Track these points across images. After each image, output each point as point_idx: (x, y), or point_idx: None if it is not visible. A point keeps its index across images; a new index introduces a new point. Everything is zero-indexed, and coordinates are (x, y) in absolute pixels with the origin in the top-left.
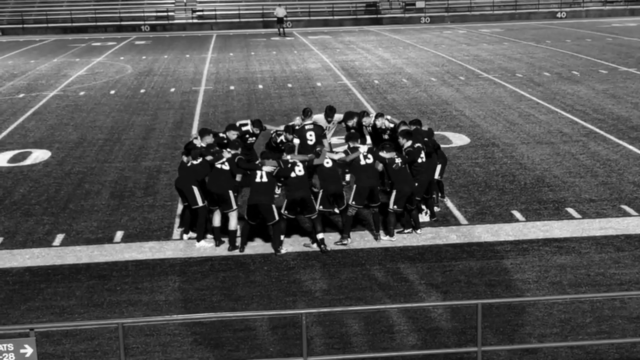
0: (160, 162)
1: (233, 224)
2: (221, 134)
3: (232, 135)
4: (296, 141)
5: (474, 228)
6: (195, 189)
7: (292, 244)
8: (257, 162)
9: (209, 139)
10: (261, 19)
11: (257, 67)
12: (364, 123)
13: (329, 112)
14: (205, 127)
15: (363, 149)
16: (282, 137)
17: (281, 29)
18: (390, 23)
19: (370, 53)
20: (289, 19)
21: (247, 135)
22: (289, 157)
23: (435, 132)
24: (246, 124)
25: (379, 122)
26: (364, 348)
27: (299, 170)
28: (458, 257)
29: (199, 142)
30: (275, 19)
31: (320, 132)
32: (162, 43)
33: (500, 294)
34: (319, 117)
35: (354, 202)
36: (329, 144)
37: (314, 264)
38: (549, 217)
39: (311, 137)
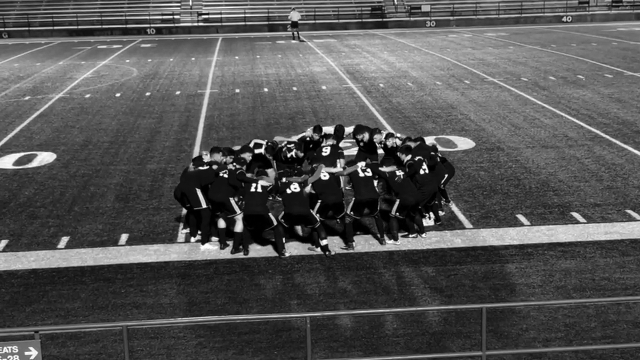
0: (165, 164)
1: (239, 226)
2: (237, 152)
3: (247, 157)
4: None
5: (479, 232)
6: (199, 191)
7: (297, 248)
8: (252, 176)
9: (217, 157)
10: (266, 22)
11: (262, 70)
12: (374, 140)
13: (338, 132)
14: (217, 145)
15: (361, 164)
16: (293, 153)
17: (295, 33)
18: (396, 26)
19: (376, 56)
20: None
21: (260, 156)
22: (284, 179)
23: (440, 136)
24: (260, 145)
25: (389, 143)
26: (367, 352)
27: (294, 188)
28: (462, 261)
29: (207, 158)
30: (290, 22)
31: (335, 151)
32: (167, 46)
33: (505, 298)
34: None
35: (352, 213)
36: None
37: (318, 267)
38: (553, 222)
39: (326, 150)
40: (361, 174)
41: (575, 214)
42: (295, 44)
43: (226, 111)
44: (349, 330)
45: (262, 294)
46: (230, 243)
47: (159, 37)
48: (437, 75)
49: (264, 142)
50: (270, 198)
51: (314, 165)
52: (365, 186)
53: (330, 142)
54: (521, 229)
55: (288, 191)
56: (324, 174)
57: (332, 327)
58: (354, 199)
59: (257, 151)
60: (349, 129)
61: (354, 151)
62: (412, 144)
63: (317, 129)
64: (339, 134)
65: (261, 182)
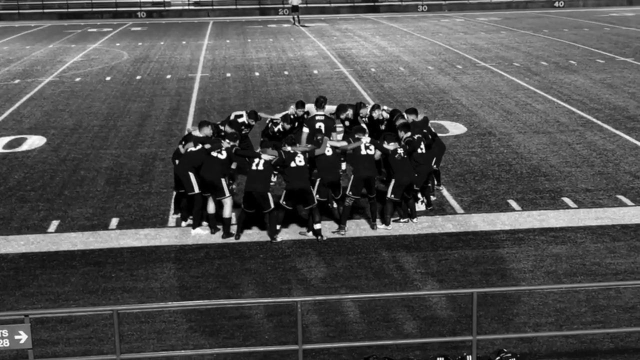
0: (155, 149)
1: (227, 211)
2: (220, 126)
3: (230, 130)
4: (305, 130)
5: (470, 217)
6: (192, 175)
7: (288, 232)
8: (257, 150)
9: (207, 130)
10: (258, 6)
11: (253, 54)
12: (360, 114)
13: (320, 103)
14: (204, 119)
15: (365, 139)
16: (280, 127)
17: (296, 17)
18: (388, 11)
19: (367, 41)
20: (285, 6)
21: (243, 127)
22: (289, 148)
23: (432, 121)
24: (241, 115)
25: (375, 114)
26: (359, 336)
27: (299, 161)
28: (454, 246)
29: (197, 134)
30: (290, 6)
31: (330, 124)
32: (158, 29)
33: (496, 283)
34: (309, 107)
35: (350, 193)
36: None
37: (309, 252)
38: (544, 207)
39: (320, 128)
40: (363, 151)
41: (566, 199)
42: (287, 28)
43: (217, 95)
44: (339, 315)
45: (253, 278)
46: (221, 227)
47: (150, 21)
48: (429, 60)
49: (243, 112)
50: (274, 180)
51: (318, 137)
52: (363, 164)
53: (322, 111)
54: (512, 214)
55: (292, 164)
56: (328, 148)
57: (323, 312)
58: (352, 176)
59: (239, 120)
60: (330, 107)
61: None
62: (411, 117)
63: (300, 104)
64: (320, 104)
65: (264, 156)
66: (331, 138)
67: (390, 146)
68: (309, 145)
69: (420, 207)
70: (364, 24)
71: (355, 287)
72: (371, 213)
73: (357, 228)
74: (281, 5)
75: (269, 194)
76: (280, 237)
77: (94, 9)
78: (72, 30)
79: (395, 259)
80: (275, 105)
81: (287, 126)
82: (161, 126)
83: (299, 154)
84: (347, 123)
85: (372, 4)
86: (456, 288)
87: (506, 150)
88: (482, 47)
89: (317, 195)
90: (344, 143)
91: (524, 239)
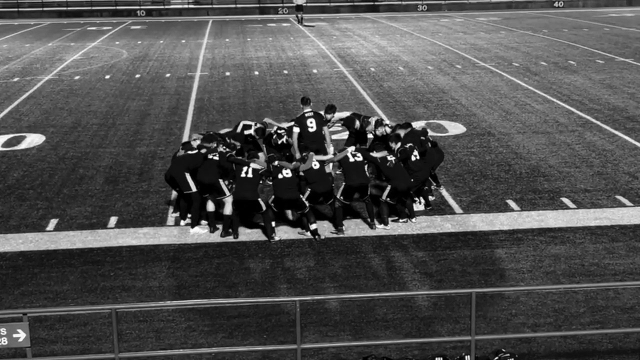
0: (155, 147)
1: (228, 209)
2: (226, 138)
3: (237, 144)
4: (296, 129)
5: (469, 217)
6: (187, 175)
7: (287, 232)
8: (244, 159)
9: (209, 145)
10: (257, 5)
11: (253, 53)
12: (367, 130)
13: (329, 111)
14: (212, 132)
15: (351, 148)
16: (284, 140)
17: (299, 16)
18: (388, 10)
19: (367, 40)
20: (285, 5)
21: (248, 138)
22: (277, 163)
23: (431, 121)
24: (249, 127)
25: (379, 132)
26: (357, 336)
27: (287, 173)
28: (452, 246)
29: (196, 143)
30: (294, 5)
31: (320, 120)
32: (157, 28)
33: (494, 283)
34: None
35: (341, 198)
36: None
37: (308, 251)
38: (543, 207)
39: (312, 124)
40: (351, 159)
41: (565, 200)
42: (287, 27)
43: (216, 94)
44: (338, 315)
45: (252, 277)
46: (220, 226)
47: (149, 19)
48: (428, 59)
49: (253, 124)
50: (261, 182)
51: (304, 154)
52: (355, 171)
53: (309, 108)
54: (511, 214)
55: (280, 176)
56: (315, 162)
57: (321, 311)
58: (344, 183)
59: (246, 132)
60: (339, 114)
61: (344, 135)
62: (402, 131)
63: (305, 100)
64: (329, 111)
65: (253, 165)
66: (323, 131)
67: (378, 154)
68: (294, 163)
69: (418, 207)
70: (363, 24)
71: (353, 287)
72: (368, 214)
73: (356, 228)
74: (280, 5)
75: (259, 200)
76: (278, 237)
77: (93, 7)
78: (71, 28)
79: (393, 258)
80: (275, 105)
81: (292, 141)
82: (160, 125)
83: (286, 168)
84: (352, 131)
85: (371, 3)
86: (455, 288)
87: (505, 150)
88: (482, 47)
89: (307, 201)
90: (331, 156)
91: (522, 239)
